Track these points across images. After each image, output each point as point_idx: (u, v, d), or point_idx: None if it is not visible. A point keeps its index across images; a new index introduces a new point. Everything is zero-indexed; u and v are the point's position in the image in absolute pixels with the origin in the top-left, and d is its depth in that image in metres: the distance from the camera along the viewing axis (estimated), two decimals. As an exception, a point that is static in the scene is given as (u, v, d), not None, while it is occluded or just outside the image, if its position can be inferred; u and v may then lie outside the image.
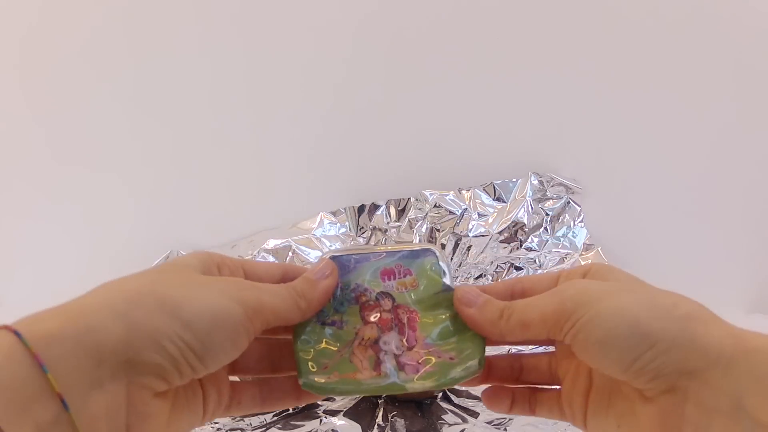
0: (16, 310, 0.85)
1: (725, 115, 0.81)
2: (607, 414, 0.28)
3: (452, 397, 0.66)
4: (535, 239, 0.84)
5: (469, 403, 0.65)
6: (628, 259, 0.84)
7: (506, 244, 0.84)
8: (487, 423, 0.62)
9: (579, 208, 0.85)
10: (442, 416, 0.63)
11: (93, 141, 0.82)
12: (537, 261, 0.83)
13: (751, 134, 0.82)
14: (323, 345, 0.34)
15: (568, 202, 0.85)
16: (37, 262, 0.87)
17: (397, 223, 0.84)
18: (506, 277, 0.84)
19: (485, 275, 0.83)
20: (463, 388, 0.67)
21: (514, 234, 0.84)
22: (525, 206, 0.84)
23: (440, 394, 0.67)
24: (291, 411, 0.65)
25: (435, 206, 0.83)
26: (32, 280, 0.87)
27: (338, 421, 0.63)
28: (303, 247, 0.84)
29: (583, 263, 0.82)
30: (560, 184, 0.84)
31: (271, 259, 0.83)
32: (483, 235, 0.83)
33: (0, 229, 0.86)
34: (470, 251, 0.84)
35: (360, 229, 0.84)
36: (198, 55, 0.79)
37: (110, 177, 0.84)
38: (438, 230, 0.84)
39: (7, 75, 0.78)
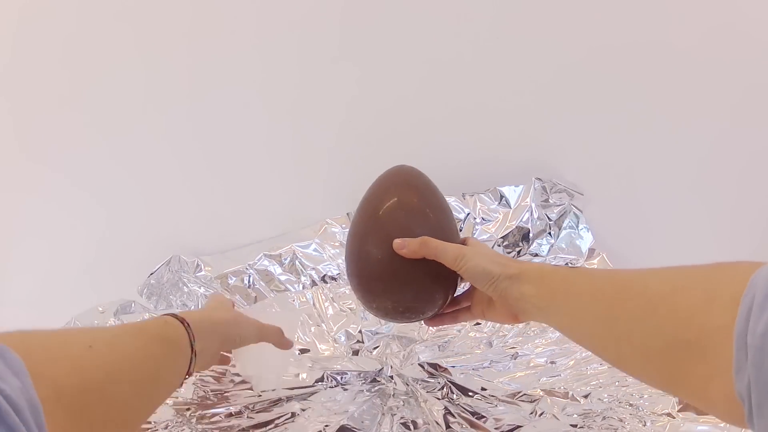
0: (16, 312, 0.84)
1: (726, 117, 0.82)
2: (489, 309, 0.54)
3: (460, 401, 0.65)
4: (540, 244, 0.83)
5: (476, 408, 0.64)
6: (633, 263, 0.83)
7: (510, 249, 0.83)
8: (496, 429, 0.61)
9: (581, 214, 0.84)
10: (451, 422, 0.62)
11: (96, 146, 0.81)
12: (541, 266, 0.83)
13: (752, 136, 0.82)
14: None
15: (571, 208, 0.84)
16: (39, 264, 0.86)
17: (401, 228, 0.83)
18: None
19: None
20: (475, 389, 0.66)
21: (518, 239, 0.83)
22: (529, 211, 0.83)
23: (445, 395, 0.66)
24: (289, 419, 0.64)
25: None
26: (33, 282, 0.86)
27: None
28: (305, 251, 0.83)
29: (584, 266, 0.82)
30: (563, 190, 0.84)
31: (275, 265, 0.83)
32: (487, 241, 0.83)
33: (1, 231, 0.85)
34: (474, 256, 0.83)
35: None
36: (202, 59, 0.78)
37: (113, 182, 0.83)
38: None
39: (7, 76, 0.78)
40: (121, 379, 0.39)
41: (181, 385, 0.49)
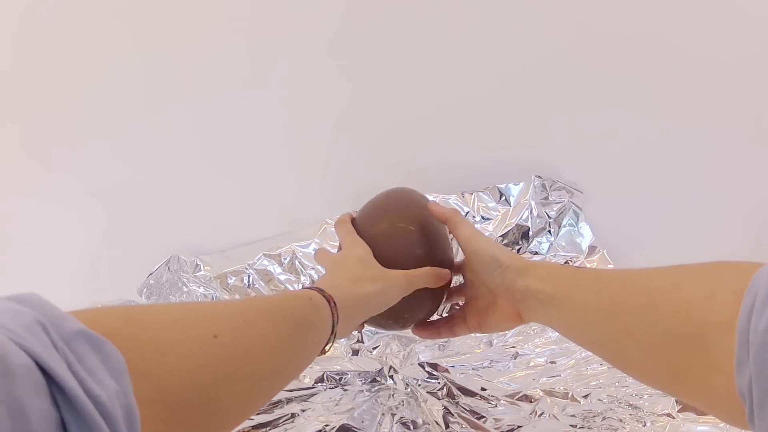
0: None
1: (726, 115, 0.81)
2: (488, 313, 0.53)
3: (460, 401, 0.65)
4: (540, 242, 0.83)
5: (476, 408, 0.64)
6: (633, 260, 0.83)
7: (510, 248, 0.83)
8: (496, 429, 0.61)
9: (580, 211, 0.84)
10: (451, 422, 0.62)
11: (95, 145, 0.81)
12: (541, 264, 0.82)
13: (753, 134, 0.81)
14: None
15: (571, 206, 0.84)
16: (38, 263, 0.86)
17: (400, 227, 0.83)
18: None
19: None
20: (475, 390, 0.66)
21: (518, 237, 0.83)
22: (528, 209, 0.83)
23: (444, 394, 0.66)
24: (289, 419, 0.64)
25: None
26: (32, 281, 0.86)
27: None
28: (305, 250, 0.83)
29: (588, 265, 0.82)
30: (563, 188, 0.84)
31: (274, 265, 0.82)
32: (487, 239, 0.83)
33: (1, 231, 0.85)
34: (474, 255, 0.83)
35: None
36: (201, 59, 0.78)
37: (111, 181, 0.83)
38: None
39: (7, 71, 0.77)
40: (244, 374, 0.34)
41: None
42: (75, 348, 0.23)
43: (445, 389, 0.67)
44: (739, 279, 0.31)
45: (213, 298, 0.79)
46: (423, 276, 0.53)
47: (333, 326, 0.43)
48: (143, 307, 0.32)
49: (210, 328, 0.32)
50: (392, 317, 0.54)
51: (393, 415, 0.64)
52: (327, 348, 0.44)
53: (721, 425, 0.57)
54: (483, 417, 0.63)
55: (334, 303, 0.43)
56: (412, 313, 0.55)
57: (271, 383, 0.38)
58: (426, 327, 0.57)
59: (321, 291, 0.44)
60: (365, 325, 0.56)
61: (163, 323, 0.31)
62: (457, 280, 0.59)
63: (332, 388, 0.69)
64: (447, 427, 0.62)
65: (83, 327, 0.24)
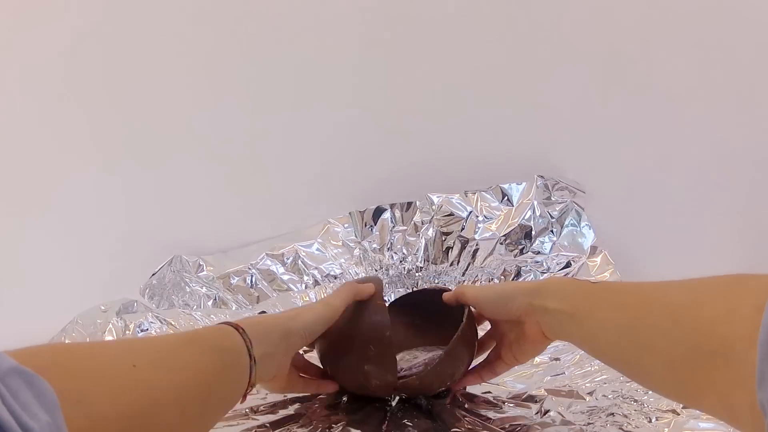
0: (20, 311, 0.84)
1: (730, 115, 0.82)
2: (519, 343, 0.57)
3: (465, 403, 0.65)
4: (542, 242, 0.83)
5: (481, 410, 0.64)
6: (635, 261, 0.83)
7: (513, 248, 0.83)
8: (501, 429, 0.61)
9: (583, 211, 0.84)
10: (456, 424, 0.62)
11: (96, 145, 0.81)
12: (544, 264, 0.83)
13: (756, 133, 0.82)
14: None
15: (573, 206, 0.84)
16: (39, 265, 0.86)
17: (403, 227, 0.83)
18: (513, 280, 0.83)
19: (492, 279, 0.82)
20: (478, 393, 0.66)
21: (520, 237, 0.83)
22: (531, 209, 0.83)
23: (449, 399, 0.65)
24: (293, 420, 0.64)
25: (441, 209, 0.83)
26: (35, 281, 0.86)
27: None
28: (308, 250, 0.83)
29: (590, 265, 0.82)
30: (565, 188, 0.84)
31: (277, 265, 0.82)
32: (489, 239, 0.83)
33: (5, 231, 0.84)
34: (477, 255, 0.83)
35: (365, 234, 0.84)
36: (202, 60, 0.78)
37: (114, 182, 0.83)
38: (444, 233, 0.83)
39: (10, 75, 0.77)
40: (168, 400, 0.35)
41: (244, 398, 0.46)
42: (9, 384, 0.24)
43: (449, 391, 0.66)
44: (759, 292, 0.31)
45: (216, 299, 0.79)
46: (343, 293, 0.57)
47: (249, 351, 0.45)
48: (72, 343, 0.36)
49: (129, 359, 0.35)
50: (437, 378, 0.59)
51: (396, 417, 0.64)
52: (252, 379, 0.45)
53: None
54: (489, 419, 0.62)
55: (242, 328, 0.46)
56: (456, 368, 0.60)
57: (201, 411, 0.39)
58: (467, 374, 0.62)
59: (228, 323, 0.46)
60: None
61: (89, 357, 0.34)
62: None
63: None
64: (452, 428, 0.61)
65: (16, 364, 0.25)
